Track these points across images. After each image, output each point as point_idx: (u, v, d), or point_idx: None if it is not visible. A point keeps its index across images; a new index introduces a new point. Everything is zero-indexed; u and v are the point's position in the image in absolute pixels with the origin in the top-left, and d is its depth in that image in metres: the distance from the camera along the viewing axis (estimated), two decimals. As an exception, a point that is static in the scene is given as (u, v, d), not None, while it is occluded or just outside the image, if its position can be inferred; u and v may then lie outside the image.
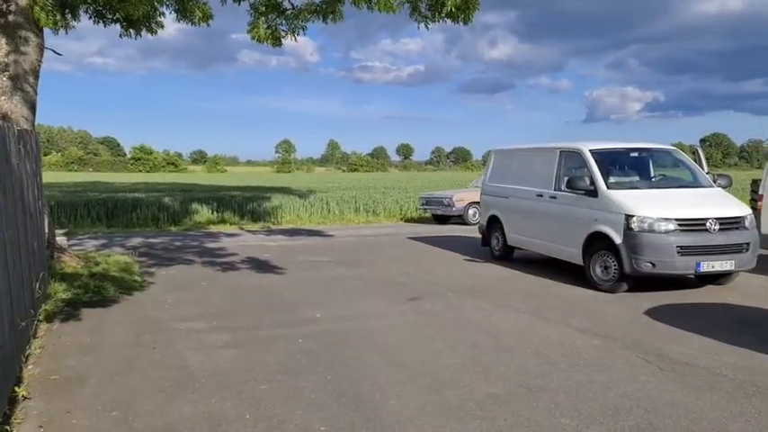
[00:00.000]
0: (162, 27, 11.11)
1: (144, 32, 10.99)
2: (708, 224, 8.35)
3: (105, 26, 10.83)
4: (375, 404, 4.73)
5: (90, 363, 5.73)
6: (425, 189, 31.44)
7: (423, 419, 4.43)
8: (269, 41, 10.33)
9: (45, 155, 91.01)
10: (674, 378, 5.26)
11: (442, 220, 19.74)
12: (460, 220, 18.96)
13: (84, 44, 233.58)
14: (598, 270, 8.86)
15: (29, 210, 6.35)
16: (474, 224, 17.93)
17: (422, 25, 9.99)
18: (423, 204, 20.39)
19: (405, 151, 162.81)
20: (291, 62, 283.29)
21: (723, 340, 6.28)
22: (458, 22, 9.97)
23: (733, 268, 8.53)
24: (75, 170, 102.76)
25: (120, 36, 10.89)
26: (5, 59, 8.69)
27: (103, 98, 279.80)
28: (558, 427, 4.28)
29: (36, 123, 9.64)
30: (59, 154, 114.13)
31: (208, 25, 10.79)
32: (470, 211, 18.67)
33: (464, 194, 19.04)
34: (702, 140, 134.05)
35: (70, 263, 9.93)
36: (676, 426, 4.29)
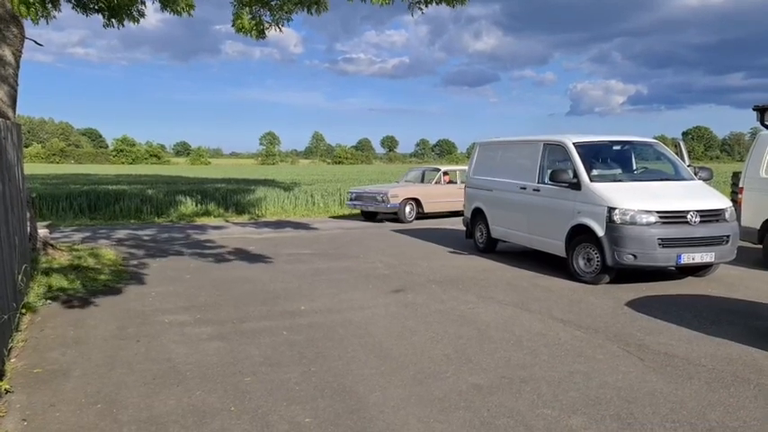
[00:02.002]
0: (143, 16, 11.02)
1: (126, 21, 10.89)
2: (689, 216, 8.45)
3: (87, 15, 10.73)
4: (359, 396, 4.76)
5: (73, 356, 5.71)
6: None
7: (407, 410, 4.46)
8: (253, 33, 10.28)
9: (26, 146, 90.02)
10: (655, 368, 5.34)
11: (370, 216, 18.42)
12: (394, 216, 17.71)
13: (66, 34, 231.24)
14: (581, 262, 8.95)
15: (10, 202, 6.29)
16: (410, 221, 17.45)
17: (407, 17, 10.11)
18: (352, 200, 18.79)
19: (389, 143, 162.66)
20: (275, 54, 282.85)
21: (703, 331, 6.39)
22: (453, 5, 10.03)
23: (713, 260, 8.64)
24: (57, 162, 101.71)
25: (104, 26, 10.80)
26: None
27: (85, 89, 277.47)
28: (541, 418, 4.33)
29: (17, 114, 9.53)
30: (41, 145, 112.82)
31: (189, 15, 10.72)
32: (407, 209, 17.54)
33: (399, 190, 17.82)
34: (685, 133, 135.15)
35: (54, 256, 9.87)
36: (656, 415, 4.36)
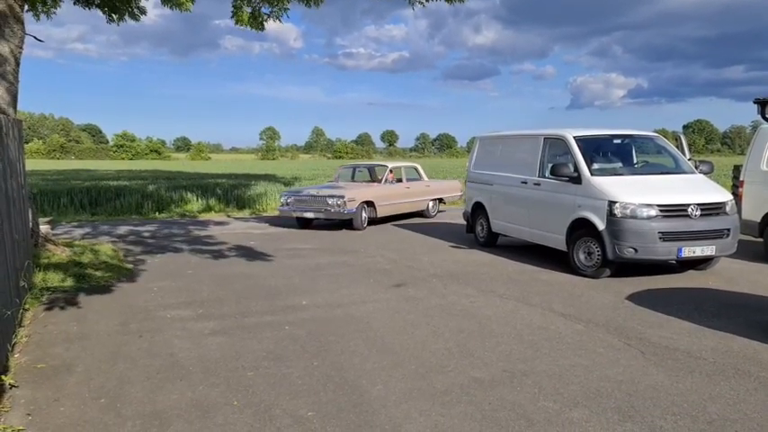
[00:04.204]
0: (144, 13, 11.02)
1: (127, 18, 10.90)
2: (689, 210, 8.45)
3: (89, 9, 10.74)
4: (362, 389, 4.78)
5: (77, 351, 5.74)
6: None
7: (409, 404, 4.49)
8: (252, 25, 10.30)
9: (26, 142, 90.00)
10: (656, 361, 5.36)
11: (305, 222, 15.24)
12: (340, 223, 14.82)
13: (65, 30, 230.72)
14: (581, 256, 8.96)
15: (12, 198, 6.31)
16: (364, 228, 14.56)
17: (406, 11, 10.16)
18: (287, 204, 15.14)
19: (390, 138, 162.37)
20: (275, 48, 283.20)
21: (703, 324, 6.41)
22: (451, 2, 10.07)
23: (714, 253, 8.65)
24: (58, 158, 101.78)
25: (108, 22, 10.82)
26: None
27: (85, 85, 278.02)
28: (542, 410, 4.35)
29: (18, 110, 9.54)
30: (41, 141, 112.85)
31: (189, 11, 10.70)
32: (362, 213, 14.56)
33: (355, 192, 14.62)
34: (685, 127, 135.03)
35: (55, 252, 9.89)
36: (657, 408, 4.38)
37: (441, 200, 17.30)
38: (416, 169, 17.50)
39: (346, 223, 14.70)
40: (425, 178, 17.51)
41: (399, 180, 16.57)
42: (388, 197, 15.49)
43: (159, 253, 11.35)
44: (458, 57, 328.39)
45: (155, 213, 18.77)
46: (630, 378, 4.96)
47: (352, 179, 17.27)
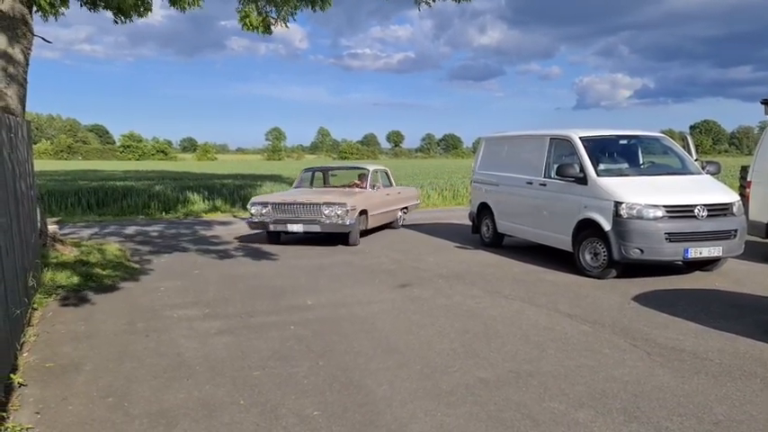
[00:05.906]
0: (150, 10, 11.05)
1: (133, 16, 10.95)
2: (696, 211, 8.43)
3: (96, 11, 10.79)
4: (367, 389, 4.79)
5: (85, 350, 5.77)
6: (418, 177, 31.02)
7: (414, 404, 4.50)
8: (260, 29, 10.33)
9: (34, 143, 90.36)
10: (662, 362, 5.35)
11: (275, 236, 12.52)
12: (323, 236, 12.45)
13: (73, 31, 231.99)
14: (587, 257, 8.95)
15: (21, 199, 6.36)
16: (358, 243, 12.28)
17: (412, 11, 10.21)
18: (259, 216, 12.23)
19: (395, 138, 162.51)
20: (281, 49, 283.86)
21: (710, 325, 6.39)
22: (460, 1, 10.10)
23: (721, 254, 8.62)
24: (65, 158, 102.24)
25: (115, 22, 10.87)
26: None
27: (92, 85, 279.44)
28: (548, 411, 4.36)
29: (26, 111, 9.59)
30: (49, 142, 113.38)
31: (199, 6, 10.70)
32: (359, 226, 12.25)
33: (354, 199, 12.15)
34: (692, 127, 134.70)
35: (63, 251, 9.95)
36: (663, 409, 4.38)
37: (406, 209, 15.31)
38: (387, 174, 15.01)
39: (336, 237, 12.30)
40: (394, 184, 15.34)
41: (375, 185, 14.06)
42: (377, 205, 13.31)
43: (166, 253, 11.39)
44: (463, 57, 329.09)
45: (161, 214, 18.84)
46: (636, 379, 4.96)
47: (311, 184, 14.80)
